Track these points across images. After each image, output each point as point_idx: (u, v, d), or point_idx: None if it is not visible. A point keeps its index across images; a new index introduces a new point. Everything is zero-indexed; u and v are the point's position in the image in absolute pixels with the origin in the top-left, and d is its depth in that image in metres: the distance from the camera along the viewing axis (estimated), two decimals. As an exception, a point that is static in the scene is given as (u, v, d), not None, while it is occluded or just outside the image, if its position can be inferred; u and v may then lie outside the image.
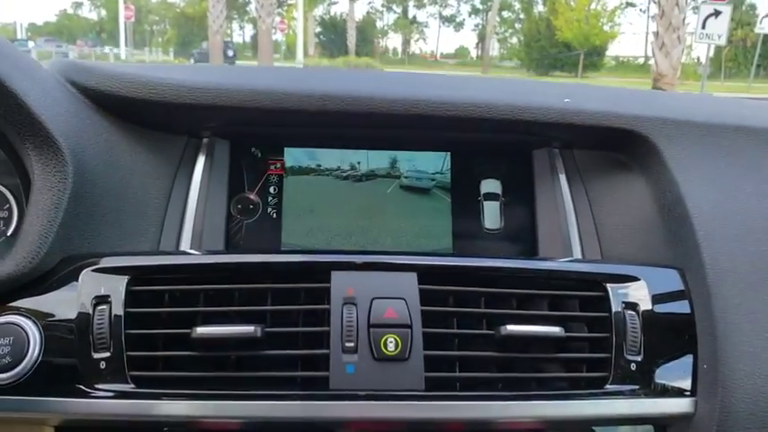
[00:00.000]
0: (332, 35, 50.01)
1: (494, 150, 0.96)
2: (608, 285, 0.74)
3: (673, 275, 0.77)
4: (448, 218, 0.93)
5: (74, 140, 0.73)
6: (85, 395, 0.66)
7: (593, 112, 0.85)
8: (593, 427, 0.77)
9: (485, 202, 0.94)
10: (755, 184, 0.83)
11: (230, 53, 26.16)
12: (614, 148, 0.90)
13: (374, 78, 0.96)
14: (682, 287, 0.76)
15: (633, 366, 0.71)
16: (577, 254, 0.88)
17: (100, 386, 0.66)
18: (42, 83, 0.75)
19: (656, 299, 0.74)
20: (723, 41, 11.83)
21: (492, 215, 0.94)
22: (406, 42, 62.53)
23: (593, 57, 31.17)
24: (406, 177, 0.94)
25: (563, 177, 0.92)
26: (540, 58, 33.00)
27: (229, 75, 0.90)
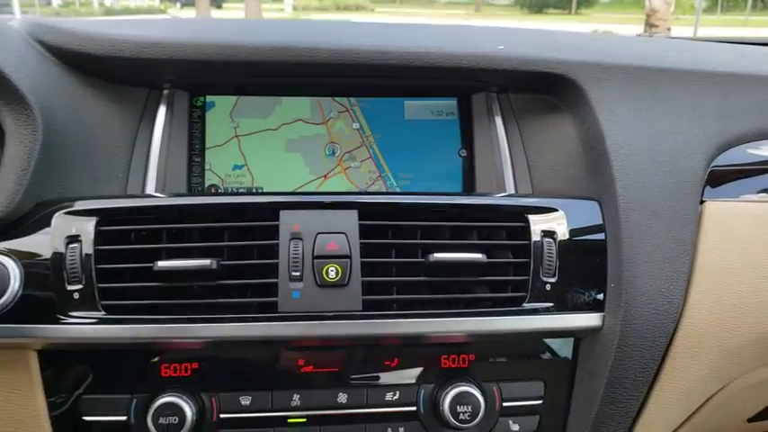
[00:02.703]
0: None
1: (439, 95, 1.03)
2: (530, 216, 0.82)
3: (591, 206, 0.85)
4: None
5: (42, 96, 0.79)
6: (62, 322, 0.74)
7: (523, 58, 0.92)
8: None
9: None
10: (671, 123, 0.90)
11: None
12: (546, 91, 0.97)
13: (321, 29, 1.02)
14: (598, 216, 0.84)
15: (548, 287, 0.80)
16: (510, 189, 0.96)
17: (74, 314, 0.75)
18: (11, 43, 0.81)
19: (573, 227, 0.83)
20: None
21: None
22: (398, -20, 61.09)
23: (586, -8, 30.67)
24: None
25: (499, 119, 0.99)
26: (533, -5, 32.45)
27: (187, 29, 0.96)
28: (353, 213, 0.80)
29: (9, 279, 0.74)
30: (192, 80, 0.96)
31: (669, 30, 10.59)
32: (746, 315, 0.84)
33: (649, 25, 10.57)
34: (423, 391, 0.82)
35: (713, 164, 0.90)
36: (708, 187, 0.89)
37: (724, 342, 0.84)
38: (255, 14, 20.71)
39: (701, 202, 0.88)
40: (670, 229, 0.83)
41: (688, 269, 0.82)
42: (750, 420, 1.03)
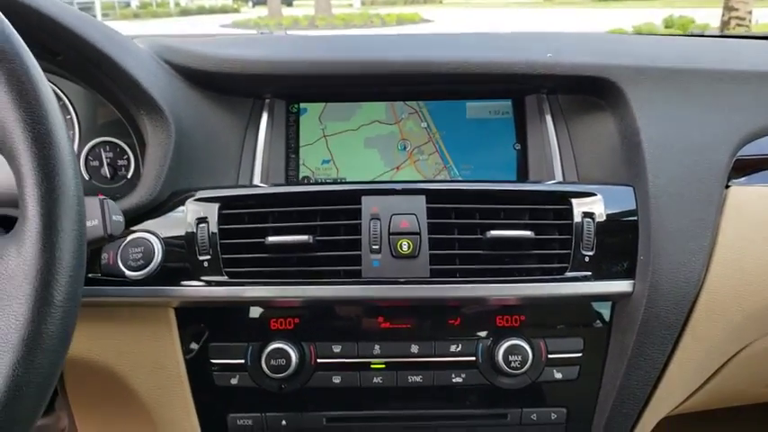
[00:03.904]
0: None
1: (496, 97, 1.19)
2: (573, 200, 0.97)
3: (625, 191, 0.99)
4: None
5: (172, 106, 0.98)
6: (194, 285, 0.94)
7: (569, 64, 1.07)
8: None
9: None
10: (700, 118, 1.03)
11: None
12: (590, 92, 1.10)
13: (397, 43, 1.19)
14: (631, 199, 0.98)
15: (587, 259, 0.95)
16: (559, 178, 1.10)
17: (204, 278, 0.94)
18: (145, 62, 1.01)
19: (609, 208, 0.96)
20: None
21: None
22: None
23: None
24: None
25: (549, 117, 1.13)
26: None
27: (284, 47, 1.15)
28: (422, 198, 0.96)
29: (154, 252, 0.94)
30: (289, 91, 1.15)
31: (750, 12, 10.20)
32: (763, 284, 0.97)
33: (728, 8, 10.20)
34: (480, 345, 0.99)
35: (739, 154, 1.02)
36: (733, 175, 1.01)
37: (742, 307, 0.97)
38: (325, 11, 21.08)
39: (727, 187, 1.00)
40: (694, 211, 0.96)
41: (710, 245, 0.95)
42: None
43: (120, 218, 0.86)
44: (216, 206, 0.96)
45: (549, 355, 0.99)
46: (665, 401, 1.04)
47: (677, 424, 1.66)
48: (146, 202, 0.95)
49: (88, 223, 0.81)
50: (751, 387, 1.17)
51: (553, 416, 1.02)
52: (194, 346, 0.99)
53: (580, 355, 1.00)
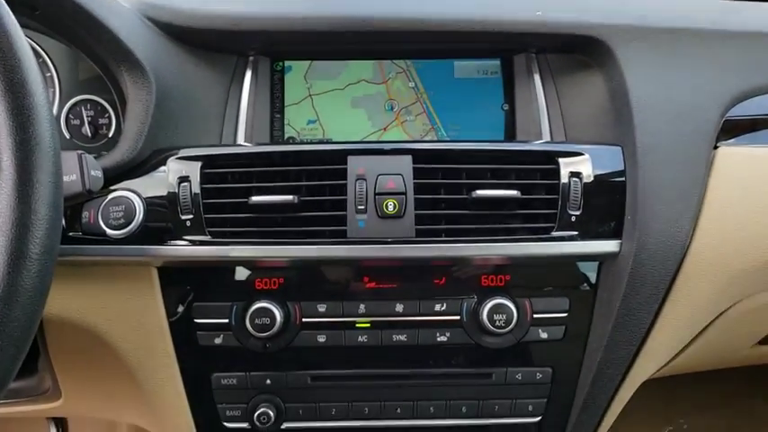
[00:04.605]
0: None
1: (484, 56, 1.17)
2: (560, 160, 0.96)
3: (613, 151, 0.98)
4: None
5: (154, 62, 0.96)
6: (178, 244, 0.93)
7: (558, 23, 1.05)
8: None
9: None
10: (690, 78, 1.02)
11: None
12: (579, 51, 1.09)
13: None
14: (619, 159, 0.97)
15: (573, 219, 0.94)
16: (546, 138, 1.10)
17: (186, 238, 0.93)
18: (125, 18, 0.98)
19: (596, 168, 0.95)
20: None
21: None
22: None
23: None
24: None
25: (537, 77, 1.12)
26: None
27: (270, 2, 1.12)
28: (408, 158, 0.95)
29: (135, 211, 0.92)
30: (273, 48, 1.12)
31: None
32: (750, 244, 0.97)
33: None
34: (465, 304, 0.98)
35: (728, 114, 1.01)
36: (722, 136, 1.01)
37: (729, 267, 0.97)
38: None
39: (715, 147, 0.99)
40: (683, 171, 0.95)
41: (697, 204, 0.95)
42: (755, 345, 1.16)
43: (99, 173, 0.85)
44: (198, 165, 0.94)
45: (535, 315, 0.99)
46: (649, 362, 1.04)
47: (659, 388, 1.68)
48: (127, 160, 0.94)
49: (66, 178, 0.80)
50: (735, 348, 1.17)
51: (538, 375, 1.02)
52: (177, 305, 0.98)
53: (566, 315, 1.00)
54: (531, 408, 1.04)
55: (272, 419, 1.01)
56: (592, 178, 0.96)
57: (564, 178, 0.95)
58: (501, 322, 0.95)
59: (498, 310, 0.95)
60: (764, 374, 1.98)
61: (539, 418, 1.05)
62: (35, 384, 1.11)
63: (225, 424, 1.04)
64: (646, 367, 1.05)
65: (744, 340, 1.17)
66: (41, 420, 1.98)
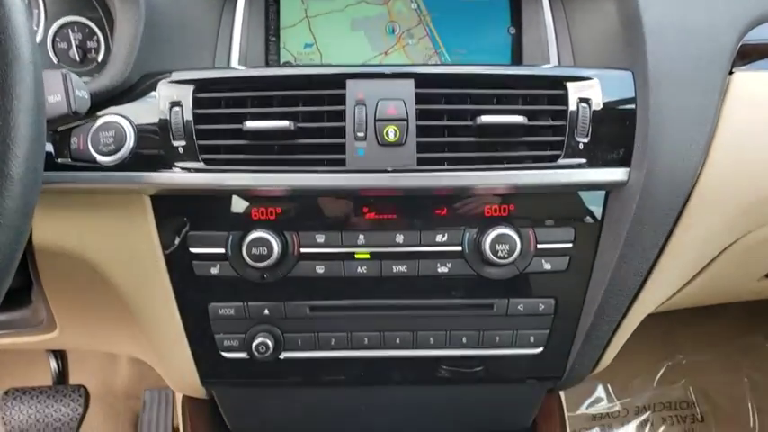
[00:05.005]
0: None
1: None
2: (568, 85, 0.92)
3: (624, 76, 0.93)
4: None
5: None
6: (170, 171, 0.89)
7: None
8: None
9: None
10: (706, 1, 0.97)
11: None
12: None
13: None
14: (630, 84, 0.92)
15: (581, 146, 0.91)
16: (555, 63, 1.05)
17: (179, 164, 0.89)
18: None
19: (606, 93, 0.91)
20: None
21: None
22: None
23: None
24: None
25: (546, 1, 1.07)
26: None
27: None
28: (410, 82, 0.91)
29: (125, 136, 0.88)
30: None
31: None
32: (763, 174, 0.94)
33: None
34: (467, 234, 0.96)
35: (745, 38, 0.96)
36: (737, 61, 0.96)
37: (740, 197, 0.94)
38: None
39: (730, 73, 0.95)
40: (696, 97, 0.91)
41: (710, 132, 0.91)
42: (762, 278, 1.14)
43: (86, 94, 0.81)
44: (190, 89, 0.90)
45: (539, 245, 0.96)
46: (654, 294, 1.02)
47: (658, 324, 1.68)
48: (116, 84, 0.90)
49: (50, 98, 0.76)
50: (742, 281, 1.16)
51: (541, 306, 1.01)
52: (172, 235, 0.96)
53: (570, 245, 0.97)
54: (532, 339, 1.03)
55: (271, 349, 1.00)
56: (601, 104, 0.92)
57: (572, 104, 0.91)
58: (504, 253, 0.93)
59: (501, 241, 0.93)
60: (763, 311, 1.98)
61: (540, 349, 1.04)
62: (29, 315, 1.10)
63: (223, 354, 1.03)
64: (650, 299, 1.03)
65: (751, 273, 1.15)
66: (41, 354, 2.00)
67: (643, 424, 2.07)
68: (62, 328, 1.11)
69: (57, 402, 1.86)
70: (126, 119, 0.90)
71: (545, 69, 0.99)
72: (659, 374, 2.11)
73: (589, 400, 2.10)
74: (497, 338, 1.03)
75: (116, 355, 2.04)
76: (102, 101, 0.89)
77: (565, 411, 1.31)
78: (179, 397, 1.29)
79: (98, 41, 1.03)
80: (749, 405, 2.06)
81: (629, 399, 2.09)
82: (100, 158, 0.88)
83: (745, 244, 1.02)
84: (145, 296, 1.00)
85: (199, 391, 1.14)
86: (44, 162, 0.66)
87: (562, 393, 1.32)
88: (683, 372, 2.11)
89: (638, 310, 1.04)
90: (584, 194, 0.96)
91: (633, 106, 0.92)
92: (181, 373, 1.09)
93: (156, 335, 1.05)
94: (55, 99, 0.76)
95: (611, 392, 2.10)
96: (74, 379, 2.04)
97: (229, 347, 1.03)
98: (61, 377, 2.01)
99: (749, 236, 1.01)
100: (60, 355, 2.01)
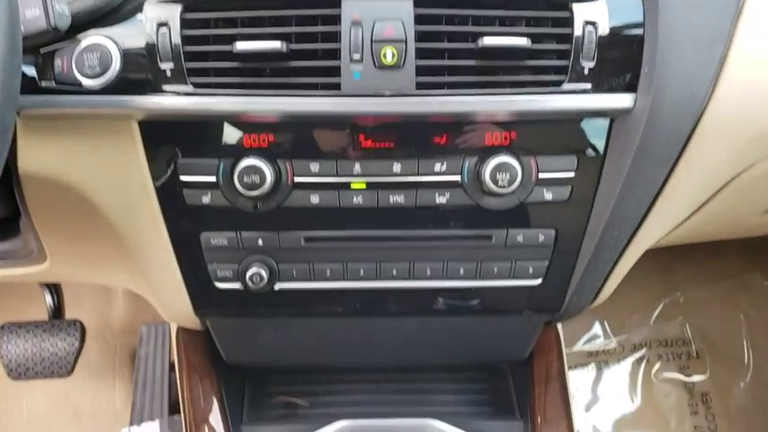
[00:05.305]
0: None
1: None
2: (574, 6, 0.87)
3: None
4: None
5: None
6: (158, 95, 0.86)
7: None
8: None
9: None
10: None
11: None
12: None
13: None
14: (638, 7, 0.88)
15: (586, 71, 0.87)
16: None
17: (168, 88, 0.86)
18: None
19: (613, 16, 0.87)
20: None
21: None
22: None
23: None
24: None
25: None
26: None
27: None
28: (409, 2, 0.86)
29: (111, 59, 0.85)
30: None
31: None
32: None
33: None
34: (467, 163, 0.93)
35: None
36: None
37: (749, 125, 0.90)
38: None
39: None
40: (707, 17, 0.87)
41: (721, 56, 0.87)
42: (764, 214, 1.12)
43: (66, 9, 0.77)
44: (178, 9, 0.86)
45: (540, 175, 0.94)
46: (657, 226, 1.00)
47: (656, 260, 1.67)
48: (100, 4, 0.85)
49: (28, 12, 0.73)
50: (746, 214, 1.13)
51: (541, 237, 0.99)
52: (161, 162, 0.93)
53: (572, 174, 0.94)
54: (531, 270, 1.02)
55: (265, 280, 0.98)
56: (608, 27, 0.88)
57: (577, 27, 0.87)
58: (504, 182, 0.90)
59: (502, 169, 0.90)
60: (761, 248, 1.98)
61: (539, 280, 1.03)
62: (19, 247, 1.08)
63: (216, 284, 1.02)
64: (653, 232, 1.01)
65: (756, 206, 1.13)
66: (37, 291, 2.00)
67: (639, 361, 2.09)
68: (53, 259, 1.09)
69: (53, 336, 1.87)
70: (111, 40, 0.86)
71: None
72: (656, 312, 2.12)
73: (586, 337, 2.12)
74: (495, 270, 1.01)
75: (112, 291, 2.04)
76: (85, 22, 0.85)
77: (562, 345, 1.30)
78: (174, 330, 1.28)
79: None
80: (744, 342, 2.08)
81: (625, 336, 2.11)
82: (85, 81, 0.85)
83: (751, 176, 0.99)
84: (135, 226, 0.98)
85: (193, 322, 1.14)
86: (26, 85, 0.63)
87: (560, 327, 1.31)
88: (681, 309, 2.12)
89: (639, 242, 1.02)
90: (588, 122, 0.93)
91: (641, 28, 0.88)
92: (175, 303, 1.08)
93: (149, 265, 1.03)
94: (33, 14, 0.73)
95: (608, 329, 2.12)
96: (69, 315, 2.04)
97: (223, 278, 1.02)
98: (57, 313, 2.01)
99: (757, 166, 0.98)
100: (56, 291, 2.01)
